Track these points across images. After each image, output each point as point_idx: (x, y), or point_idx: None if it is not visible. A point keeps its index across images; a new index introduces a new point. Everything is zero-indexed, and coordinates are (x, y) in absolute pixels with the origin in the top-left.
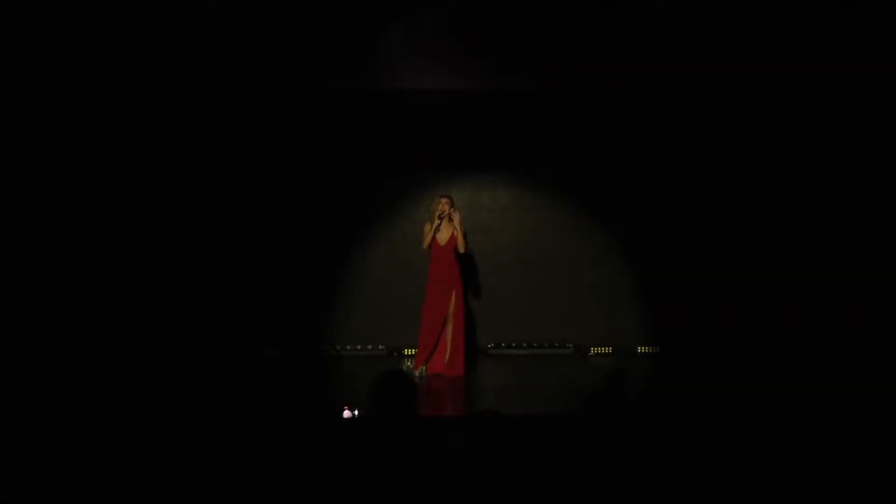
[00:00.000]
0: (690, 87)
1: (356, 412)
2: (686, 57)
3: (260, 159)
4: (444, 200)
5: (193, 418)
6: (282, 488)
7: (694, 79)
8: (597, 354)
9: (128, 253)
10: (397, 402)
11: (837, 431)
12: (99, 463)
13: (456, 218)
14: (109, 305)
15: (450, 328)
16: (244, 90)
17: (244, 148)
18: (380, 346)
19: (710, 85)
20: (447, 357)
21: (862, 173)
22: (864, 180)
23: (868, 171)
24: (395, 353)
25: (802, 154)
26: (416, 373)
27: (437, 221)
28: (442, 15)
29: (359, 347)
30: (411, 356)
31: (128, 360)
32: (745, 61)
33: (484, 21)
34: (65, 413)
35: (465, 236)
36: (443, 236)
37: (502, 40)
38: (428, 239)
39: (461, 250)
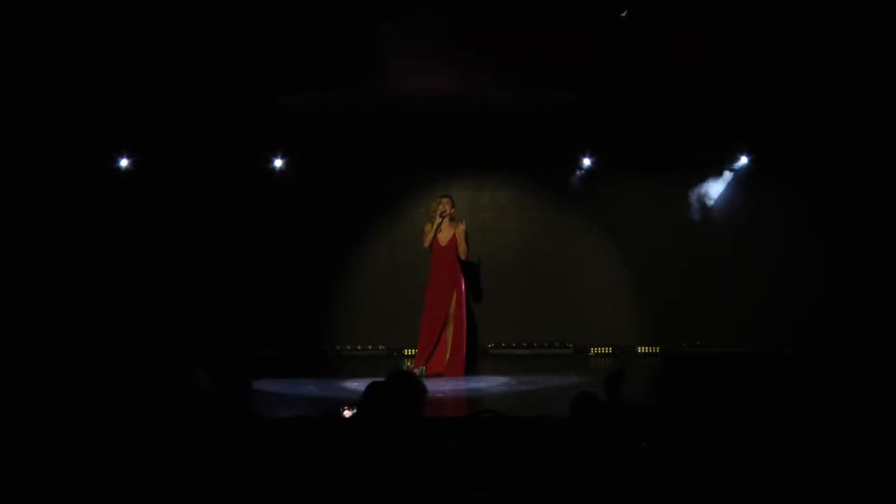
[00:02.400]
0: (689, 88)
1: (356, 412)
2: (685, 58)
3: (259, 160)
4: (444, 200)
5: (193, 417)
6: (281, 488)
7: (692, 79)
8: (597, 354)
9: (131, 255)
10: (405, 405)
11: (839, 432)
12: (99, 462)
13: (460, 227)
14: (112, 306)
15: (450, 328)
16: (244, 90)
17: (244, 148)
18: (380, 346)
19: (710, 84)
20: (447, 357)
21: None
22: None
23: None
24: (395, 353)
25: (801, 153)
26: (416, 372)
27: (437, 220)
28: (442, 15)
29: (359, 347)
30: (411, 356)
31: (128, 360)
32: (743, 62)
33: (484, 21)
34: (67, 413)
35: (466, 241)
36: (443, 237)
37: (502, 41)
38: (428, 239)
39: (462, 257)
